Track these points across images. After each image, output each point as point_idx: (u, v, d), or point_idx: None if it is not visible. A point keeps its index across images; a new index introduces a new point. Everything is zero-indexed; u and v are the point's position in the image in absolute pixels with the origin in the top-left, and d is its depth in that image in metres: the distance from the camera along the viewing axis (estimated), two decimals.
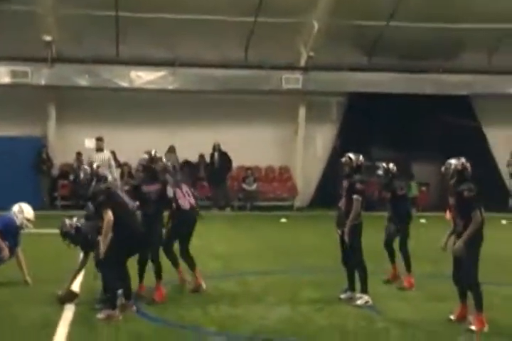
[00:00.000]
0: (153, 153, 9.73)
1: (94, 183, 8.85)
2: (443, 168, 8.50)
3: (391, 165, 11.15)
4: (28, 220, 10.32)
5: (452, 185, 8.38)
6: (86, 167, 9.19)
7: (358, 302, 9.45)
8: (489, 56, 26.08)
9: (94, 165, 9.17)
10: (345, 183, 9.70)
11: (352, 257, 9.57)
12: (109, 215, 8.48)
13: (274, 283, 10.48)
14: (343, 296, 9.75)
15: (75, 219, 9.31)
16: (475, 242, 8.16)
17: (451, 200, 8.37)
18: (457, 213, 8.31)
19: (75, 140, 23.52)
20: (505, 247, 15.80)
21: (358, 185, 9.56)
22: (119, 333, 7.84)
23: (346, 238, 9.45)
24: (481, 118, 26.41)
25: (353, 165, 9.71)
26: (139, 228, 8.83)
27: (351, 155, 9.85)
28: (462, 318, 8.40)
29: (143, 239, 8.94)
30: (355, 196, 9.49)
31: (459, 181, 8.32)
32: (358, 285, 9.62)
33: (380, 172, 11.03)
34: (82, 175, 9.05)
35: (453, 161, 8.47)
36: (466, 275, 8.17)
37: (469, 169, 8.41)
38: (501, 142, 26.39)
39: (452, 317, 8.51)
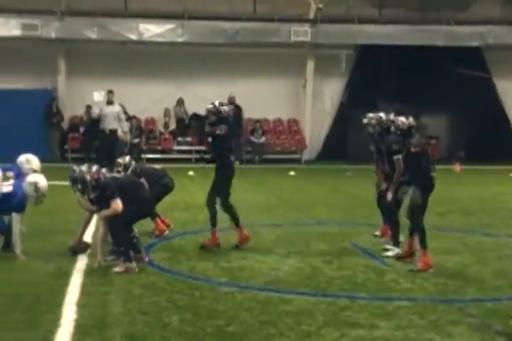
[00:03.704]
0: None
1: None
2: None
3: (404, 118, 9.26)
4: (35, 171, 10.23)
5: None
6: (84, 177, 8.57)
7: (389, 253, 9.53)
8: (501, 7, 25.76)
9: (88, 177, 8.60)
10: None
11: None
12: (118, 204, 8.52)
13: (284, 235, 10.55)
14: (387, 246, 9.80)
15: (83, 167, 8.69)
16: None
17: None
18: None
19: (85, 93, 23.53)
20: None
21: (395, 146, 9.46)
22: (132, 283, 7.94)
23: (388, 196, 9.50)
24: (492, 69, 26.23)
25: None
26: (144, 198, 8.96)
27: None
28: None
29: (147, 206, 9.17)
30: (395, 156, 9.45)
31: None
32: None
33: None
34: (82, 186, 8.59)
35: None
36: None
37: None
38: None
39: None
